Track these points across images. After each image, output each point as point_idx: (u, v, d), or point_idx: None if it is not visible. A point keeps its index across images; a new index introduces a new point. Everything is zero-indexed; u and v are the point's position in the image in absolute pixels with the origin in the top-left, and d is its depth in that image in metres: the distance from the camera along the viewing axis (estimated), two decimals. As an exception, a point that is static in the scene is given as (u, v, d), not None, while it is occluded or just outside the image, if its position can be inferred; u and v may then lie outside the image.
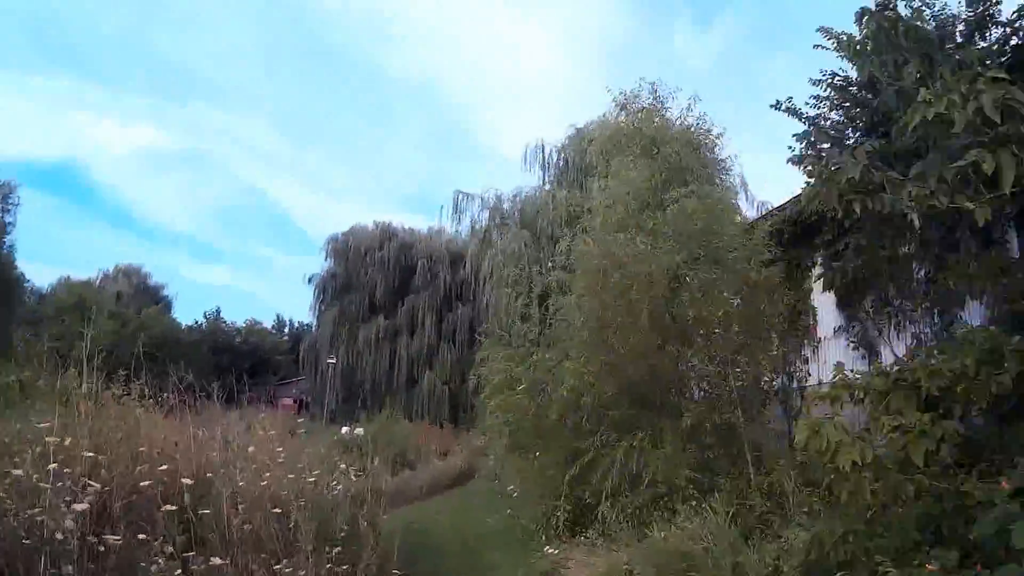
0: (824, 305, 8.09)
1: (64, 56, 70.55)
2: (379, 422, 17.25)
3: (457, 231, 25.49)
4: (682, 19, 72.83)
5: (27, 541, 3.22)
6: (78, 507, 3.13)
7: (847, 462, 3.10)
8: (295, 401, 34.80)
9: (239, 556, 3.62)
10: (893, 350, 6.52)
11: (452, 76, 78.58)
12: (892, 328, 6.82)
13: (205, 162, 78.73)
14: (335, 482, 5.62)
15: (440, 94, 77.26)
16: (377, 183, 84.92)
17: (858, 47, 4.19)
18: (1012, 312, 4.68)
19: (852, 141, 5.25)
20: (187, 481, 3.52)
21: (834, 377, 3.75)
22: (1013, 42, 4.64)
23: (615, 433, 7.21)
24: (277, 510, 4.28)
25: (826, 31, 5.42)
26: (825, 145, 4.45)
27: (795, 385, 8.08)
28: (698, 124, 9.92)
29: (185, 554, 3.39)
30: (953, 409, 3.47)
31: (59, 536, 3.25)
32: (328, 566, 4.24)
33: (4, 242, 26.54)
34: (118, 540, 3.17)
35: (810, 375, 8.10)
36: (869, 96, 5.45)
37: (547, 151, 20.56)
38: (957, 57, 3.88)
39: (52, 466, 3.53)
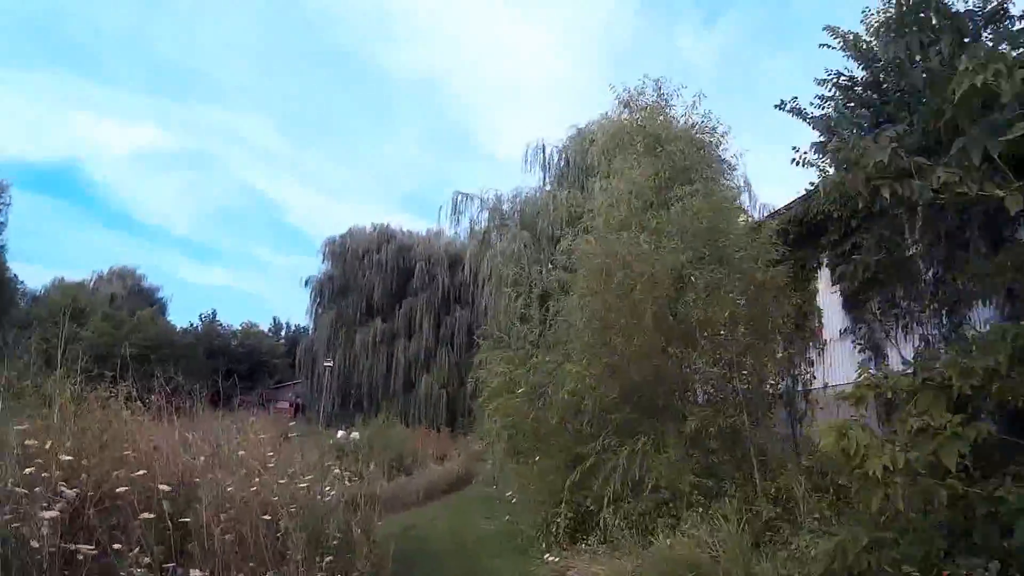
0: (830, 307, 7.96)
1: (64, 55, 70.49)
2: (375, 426, 17.03)
3: (456, 232, 25.37)
4: (685, 20, 73.19)
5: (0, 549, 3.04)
6: (48, 514, 2.92)
7: (877, 467, 2.93)
8: (291, 404, 34.55)
9: (221, 567, 3.42)
10: (900, 352, 6.41)
11: (453, 76, 78.92)
12: (899, 330, 6.69)
13: (204, 162, 78.75)
14: (328, 488, 5.45)
15: (440, 94, 77.58)
16: (377, 183, 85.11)
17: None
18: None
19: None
20: (164, 487, 3.32)
21: (859, 376, 3.58)
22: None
23: (617, 437, 7.03)
24: (267, 517, 4.11)
25: (832, 30, 5.36)
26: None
27: (799, 388, 7.92)
28: (703, 122, 9.64)
29: (165, 565, 3.19)
30: (981, 409, 3.31)
31: (34, 544, 3.09)
32: (319, 575, 4.08)
33: (-6, 243, 26.32)
34: (92, 550, 2.97)
35: (815, 378, 7.94)
36: (874, 96, 5.40)
37: (548, 151, 20.37)
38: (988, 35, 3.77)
39: (28, 470, 3.37)
